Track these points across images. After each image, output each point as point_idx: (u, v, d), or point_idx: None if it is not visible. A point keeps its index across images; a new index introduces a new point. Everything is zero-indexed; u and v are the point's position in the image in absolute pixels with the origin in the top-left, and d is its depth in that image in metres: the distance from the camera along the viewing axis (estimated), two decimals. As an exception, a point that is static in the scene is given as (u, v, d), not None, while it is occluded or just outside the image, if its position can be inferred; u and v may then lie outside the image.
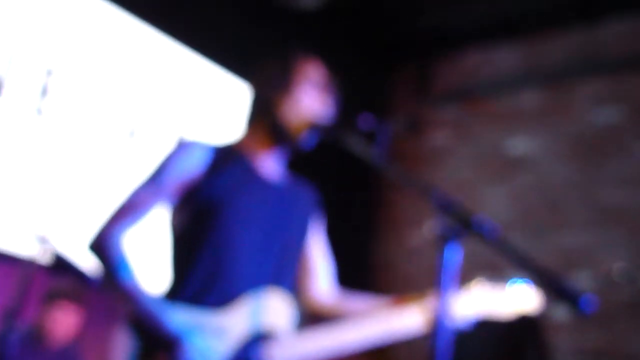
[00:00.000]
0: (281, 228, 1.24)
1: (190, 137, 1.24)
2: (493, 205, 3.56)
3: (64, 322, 2.42)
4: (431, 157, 3.80)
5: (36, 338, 2.42)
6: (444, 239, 0.83)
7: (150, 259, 2.51)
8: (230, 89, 3.12)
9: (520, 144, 3.53)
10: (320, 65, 1.29)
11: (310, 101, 1.24)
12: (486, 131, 3.68)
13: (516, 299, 1.09)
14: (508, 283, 1.11)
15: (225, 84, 3.13)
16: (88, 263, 1.65)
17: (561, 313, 3.05)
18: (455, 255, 0.82)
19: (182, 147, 1.20)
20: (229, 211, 1.18)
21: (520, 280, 1.10)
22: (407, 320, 1.13)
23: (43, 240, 1.86)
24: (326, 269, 1.36)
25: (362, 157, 1.06)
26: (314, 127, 1.23)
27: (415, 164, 3.79)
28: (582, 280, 3.06)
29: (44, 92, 2.47)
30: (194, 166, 1.19)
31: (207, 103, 3.08)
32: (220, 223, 1.17)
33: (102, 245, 1.10)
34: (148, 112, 2.82)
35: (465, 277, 1.01)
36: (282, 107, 1.24)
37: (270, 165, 1.28)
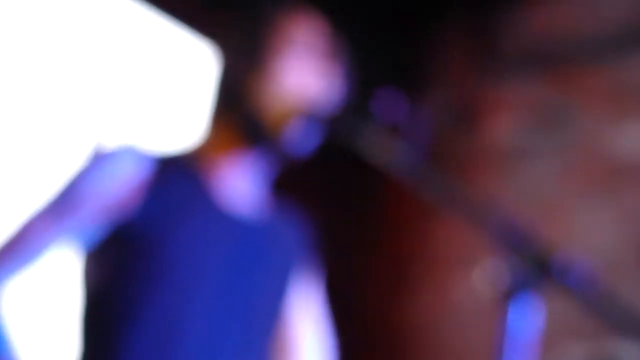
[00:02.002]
0: (249, 284, 1.28)
1: (115, 140, 1.28)
2: (592, 234, 3.46)
3: None
4: (492, 159, 3.76)
5: None
6: (510, 291, 0.86)
7: (47, 325, 2.51)
8: (191, 54, 3.18)
9: (636, 139, 3.56)
10: (315, 21, 1.33)
11: (298, 77, 1.28)
12: (582, 119, 3.63)
13: None
14: None
15: (183, 47, 3.17)
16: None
17: None
18: (527, 318, 0.85)
19: (102, 157, 1.25)
20: (173, 257, 1.22)
21: None
22: None
23: None
24: (315, 345, 1.38)
25: (385, 165, 1.11)
26: (307, 119, 1.27)
27: (467, 172, 3.74)
28: None
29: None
30: (120, 186, 1.23)
31: (156, 76, 3.15)
32: (159, 275, 1.22)
33: None
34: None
35: (546, 352, 1.03)
36: (255, 89, 1.28)
37: (237, 184, 1.32)
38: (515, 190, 3.69)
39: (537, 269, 0.87)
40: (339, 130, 1.22)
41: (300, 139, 1.30)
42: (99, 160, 1.24)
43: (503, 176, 3.76)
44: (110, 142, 1.28)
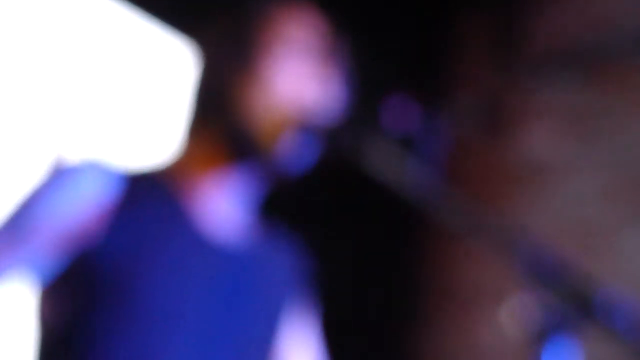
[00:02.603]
0: (236, 320, 1.29)
1: (77, 152, 1.27)
2: (641, 266, 3.57)
3: None
4: (522, 176, 3.76)
5: None
6: (542, 333, 0.86)
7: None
8: (167, 54, 3.23)
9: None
10: (312, 17, 1.34)
11: (293, 82, 1.29)
12: (629, 127, 3.64)
13: None
14: None
15: (163, 48, 3.23)
16: None
17: None
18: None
19: (62, 173, 1.25)
20: (145, 293, 1.22)
21: None
22: None
23: None
24: None
25: (397, 185, 1.10)
26: (303, 131, 1.27)
27: (493, 191, 3.75)
28: None
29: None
30: (82, 209, 1.22)
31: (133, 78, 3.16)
32: (129, 315, 1.21)
33: None
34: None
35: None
36: (242, 95, 1.29)
37: (220, 206, 1.33)
38: (549, 213, 3.67)
39: (575, 306, 0.88)
40: (340, 144, 1.22)
41: (294, 155, 1.29)
42: (58, 177, 1.24)
43: (535, 196, 3.72)
44: (72, 155, 1.26)
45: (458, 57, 4.03)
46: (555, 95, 3.81)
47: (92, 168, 1.25)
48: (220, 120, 1.31)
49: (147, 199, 1.28)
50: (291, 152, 1.29)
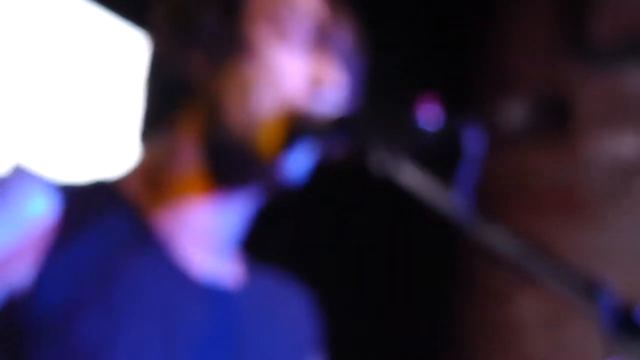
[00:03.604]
0: None
1: (7, 161, 1.22)
2: None
3: None
4: (603, 178, 3.76)
5: None
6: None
7: None
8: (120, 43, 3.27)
9: None
10: None
11: (290, 72, 1.28)
12: None
13: None
14: None
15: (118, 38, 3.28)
16: None
17: None
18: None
19: None
20: (104, 351, 1.17)
21: None
22: None
23: None
24: None
25: (425, 198, 1.12)
26: (301, 134, 1.25)
27: (548, 207, 3.79)
28: None
29: None
30: (12, 234, 1.18)
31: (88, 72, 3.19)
32: None
33: None
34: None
35: None
36: (223, 93, 1.28)
37: (201, 234, 1.29)
38: (622, 234, 3.68)
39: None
40: (353, 148, 1.22)
41: (292, 164, 1.27)
42: None
43: (613, 225, 3.69)
44: (2, 165, 1.22)
45: (506, 48, 4.06)
46: (628, 88, 3.82)
47: (28, 180, 1.22)
48: (193, 127, 1.28)
49: (103, 220, 1.24)
50: (288, 161, 1.27)
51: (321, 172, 1.32)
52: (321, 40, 1.30)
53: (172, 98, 1.31)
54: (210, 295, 1.28)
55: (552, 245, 3.61)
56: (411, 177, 1.14)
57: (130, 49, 3.17)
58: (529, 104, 3.90)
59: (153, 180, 1.30)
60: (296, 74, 1.28)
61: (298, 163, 1.28)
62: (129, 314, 1.21)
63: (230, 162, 1.28)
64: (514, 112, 3.89)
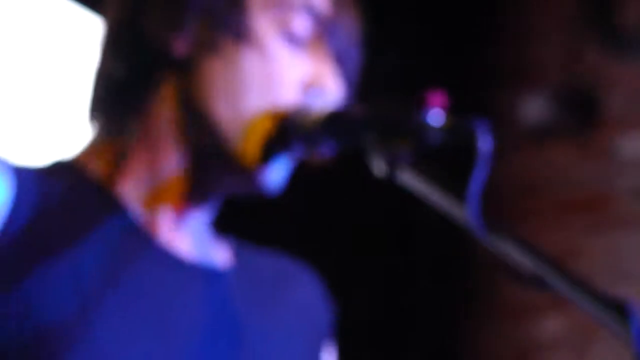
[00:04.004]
0: None
1: None
2: None
3: None
4: (627, 195, 3.79)
5: None
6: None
7: None
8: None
9: None
10: None
11: (278, 62, 1.27)
12: None
13: None
14: None
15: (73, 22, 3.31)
16: None
17: None
18: None
19: None
20: None
21: None
22: None
23: None
24: None
25: (435, 204, 1.10)
26: (290, 138, 1.25)
27: (579, 212, 3.82)
28: None
29: None
30: None
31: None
32: None
33: None
34: None
35: None
36: (211, 81, 1.27)
37: (178, 221, 1.31)
38: None
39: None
40: (351, 149, 1.21)
41: (275, 172, 1.27)
42: None
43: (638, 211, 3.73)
44: None
45: (523, 39, 4.06)
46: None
47: None
48: (170, 126, 1.28)
49: (77, 209, 1.23)
50: (270, 169, 1.27)
51: (323, 176, 1.33)
52: (321, 35, 1.29)
53: (147, 73, 1.29)
54: (205, 278, 1.29)
55: (579, 247, 3.74)
56: (417, 179, 1.12)
57: (83, 26, 3.30)
58: (551, 98, 3.88)
59: (124, 165, 1.29)
60: (293, 70, 1.27)
61: (281, 170, 1.28)
62: (132, 315, 1.21)
63: (209, 165, 1.28)
64: (535, 107, 3.89)
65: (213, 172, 1.29)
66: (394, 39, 3.12)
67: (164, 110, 1.29)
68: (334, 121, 1.23)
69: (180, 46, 1.27)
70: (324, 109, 1.25)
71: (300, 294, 1.41)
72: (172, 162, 1.29)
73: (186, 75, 1.28)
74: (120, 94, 1.30)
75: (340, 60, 1.32)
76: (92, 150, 1.31)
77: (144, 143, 1.29)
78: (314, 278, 1.43)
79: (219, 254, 1.34)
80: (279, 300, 1.38)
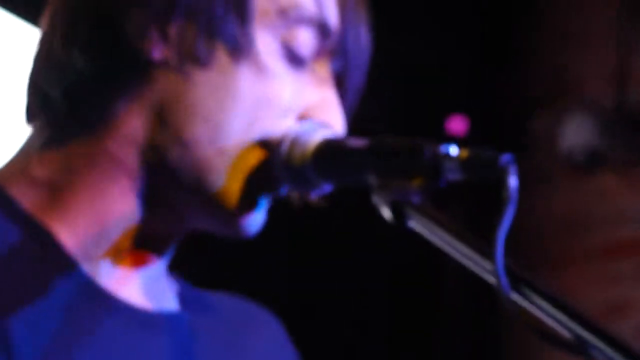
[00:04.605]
0: None
1: None
2: None
3: None
4: None
5: None
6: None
7: None
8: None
9: None
10: None
11: (285, 90, 1.27)
12: None
13: None
14: None
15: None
16: None
17: None
18: None
19: None
20: None
21: None
22: None
23: None
24: None
25: (451, 252, 1.08)
26: (271, 169, 1.23)
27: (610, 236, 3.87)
28: None
29: None
30: None
31: None
32: None
33: None
34: None
35: None
36: (193, 99, 1.25)
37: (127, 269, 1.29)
38: None
39: None
40: (354, 186, 1.20)
41: (259, 211, 1.26)
42: None
43: None
44: None
45: (558, 46, 4.08)
46: None
47: None
48: (133, 125, 1.23)
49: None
50: (255, 209, 1.25)
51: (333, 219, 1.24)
52: (327, 53, 1.29)
53: (114, 72, 1.24)
54: (163, 326, 1.30)
55: (629, 299, 3.75)
56: (431, 225, 1.09)
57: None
58: (594, 116, 3.83)
59: (60, 200, 1.25)
60: (291, 95, 1.26)
61: (263, 212, 1.27)
62: None
63: (178, 203, 1.25)
64: (574, 127, 3.83)
65: (182, 213, 1.26)
66: (411, 54, 3.16)
67: (130, 125, 1.24)
68: (327, 155, 1.21)
69: (159, 48, 1.22)
70: (317, 139, 1.22)
71: (264, 339, 1.42)
72: (126, 206, 1.25)
73: (165, 85, 1.24)
74: (75, 90, 1.24)
75: (345, 77, 1.31)
76: (21, 166, 1.25)
77: (91, 170, 1.24)
78: (276, 322, 1.43)
79: (174, 298, 1.34)
80: (241, 345, 1.39)
